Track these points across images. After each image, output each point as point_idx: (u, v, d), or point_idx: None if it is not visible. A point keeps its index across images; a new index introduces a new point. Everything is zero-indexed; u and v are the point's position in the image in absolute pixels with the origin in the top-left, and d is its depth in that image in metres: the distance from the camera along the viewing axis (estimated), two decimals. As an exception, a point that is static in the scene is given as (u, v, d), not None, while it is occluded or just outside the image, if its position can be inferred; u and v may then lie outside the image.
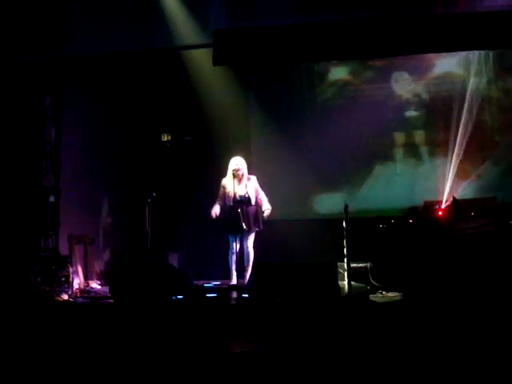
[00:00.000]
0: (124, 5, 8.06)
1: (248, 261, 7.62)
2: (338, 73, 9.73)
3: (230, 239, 7.61)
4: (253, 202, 7.60)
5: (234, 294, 7.16)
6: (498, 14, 7.22)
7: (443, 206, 8.04)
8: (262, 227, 7.68)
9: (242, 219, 7.46)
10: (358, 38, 7.27)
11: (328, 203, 9.25)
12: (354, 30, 7.29)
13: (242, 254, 7.65)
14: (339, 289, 6.48)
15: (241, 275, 7.63)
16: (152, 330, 5.69)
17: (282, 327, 5.54)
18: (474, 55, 9.11)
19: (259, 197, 7.68)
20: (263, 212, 7.64)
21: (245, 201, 7.55)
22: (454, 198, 7.98)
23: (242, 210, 7.49)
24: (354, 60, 9.42)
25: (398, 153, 9.48)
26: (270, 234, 7.98)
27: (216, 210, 7.62)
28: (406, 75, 9.44)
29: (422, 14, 7.34)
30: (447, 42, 7.41)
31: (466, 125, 8.94)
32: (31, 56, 7.92)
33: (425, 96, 9.36)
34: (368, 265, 7.47)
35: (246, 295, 6.79)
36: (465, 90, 9.08)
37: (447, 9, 7.31)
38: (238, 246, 7.59)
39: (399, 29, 7.27)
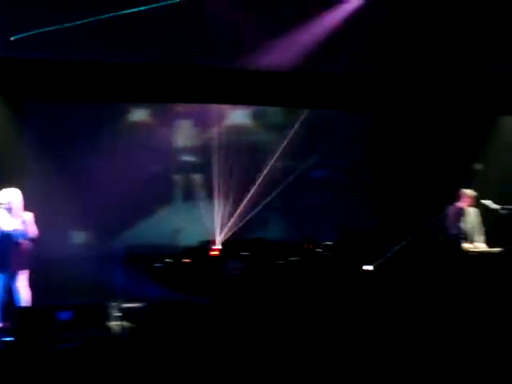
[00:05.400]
0: None
1: (20, 302, 7.26)
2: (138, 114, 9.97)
3: (-2, 277, 7.18)
4: (28, 237, 7.27)
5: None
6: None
7: (215, 247, 8.47)
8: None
9: (11, 255, 7.11)
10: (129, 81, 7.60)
11: (104, 240, 9.23)
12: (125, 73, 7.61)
13: (12, 294, 7.29)
14: (109, 329, 6.55)
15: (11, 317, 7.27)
16: None
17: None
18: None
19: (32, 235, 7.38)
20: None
21: (18, 235, 7.20)
22: (225, 240, 8.46)
23: (12, 246, 7.14)
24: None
25: (178, 194, 9.84)
26: (47, 272, 7.76)
27: None
28: (190, 123, 9.94)
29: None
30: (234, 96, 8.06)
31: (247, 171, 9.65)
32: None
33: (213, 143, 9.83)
34: (142, 305, 7.58)
35: (11, 339, 6.51)
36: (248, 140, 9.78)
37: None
38: (8, 286, 7.22)
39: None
